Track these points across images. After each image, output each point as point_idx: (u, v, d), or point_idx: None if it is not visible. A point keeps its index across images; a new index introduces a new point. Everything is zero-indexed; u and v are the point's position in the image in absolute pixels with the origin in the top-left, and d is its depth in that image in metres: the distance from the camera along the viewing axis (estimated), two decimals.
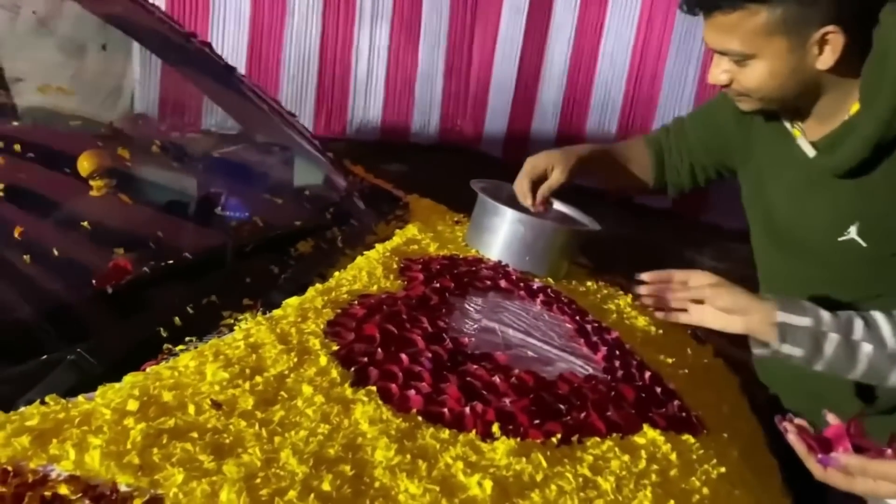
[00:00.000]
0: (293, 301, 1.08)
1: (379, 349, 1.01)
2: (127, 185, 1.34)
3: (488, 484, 0.81)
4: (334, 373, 0.93)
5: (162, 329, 0.99)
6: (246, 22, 4.41)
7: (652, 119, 4.24)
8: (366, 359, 0.98)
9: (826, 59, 1.06)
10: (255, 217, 1.47)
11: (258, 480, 0.73)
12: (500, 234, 1.51)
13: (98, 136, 1.47)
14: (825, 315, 1.04)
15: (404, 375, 0.97)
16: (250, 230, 1.33)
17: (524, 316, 1.30)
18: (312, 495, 0.73)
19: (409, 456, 0.82)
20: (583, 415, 1.02)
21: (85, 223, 1.17)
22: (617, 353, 1.23)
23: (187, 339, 0.98)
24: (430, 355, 1.04)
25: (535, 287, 1.43)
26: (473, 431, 0.91)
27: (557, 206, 1.59)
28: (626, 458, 0.96)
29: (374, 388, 0.93)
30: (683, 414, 1.13)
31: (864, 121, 1.06)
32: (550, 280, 1.53)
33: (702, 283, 1.11)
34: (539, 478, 0.86)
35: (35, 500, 0.65)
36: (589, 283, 1.60)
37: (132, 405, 0.79)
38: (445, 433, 0.89)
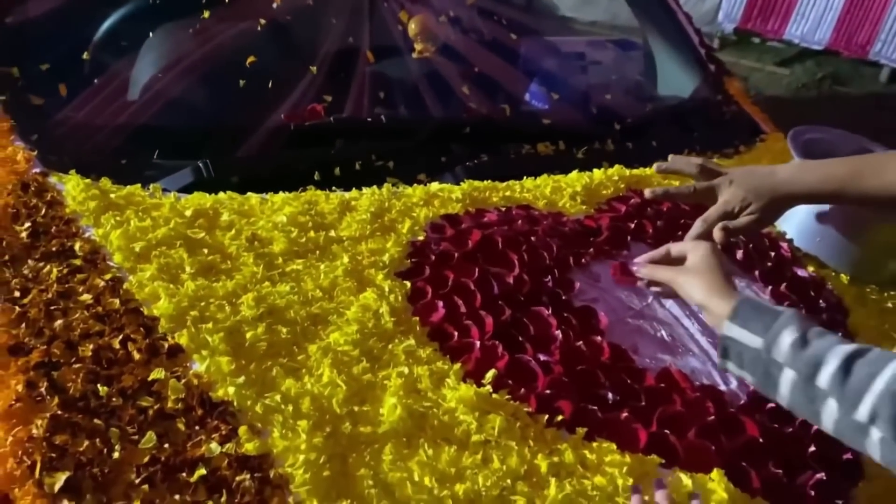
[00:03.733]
0: (434, 186, 1.09)
1: (458, 255, 0.97)
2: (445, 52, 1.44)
3: (399, 410, 0.76)
4: (387, 257, 0.94)
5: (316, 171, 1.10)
6: None
7: None
8: (434, 257, 0.96)
9: None
10: (551, 109, 1.44)
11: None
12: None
13: None
14: (785, 341, 0.69)
15: (454, 287, 0.92)
16: (505, 116, 1.31)
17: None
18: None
19: (357, 351, 0.81)
20: (625, 415, 0.82)
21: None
22: None
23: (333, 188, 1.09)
24: (510, 282, 0.95)
25: (792, 274, 1.11)
26: (459, 366, 0.83)
27: None
28: (622, 480, 0.76)
29: (408, 284, 0.91)
30: (818, 496, 0.81)
31: None
32: (845, 278, 1.16)
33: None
34: (475, 439, 0.76)
35: None
36: None
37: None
38: (427, 353, 0.83)
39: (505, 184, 1.13)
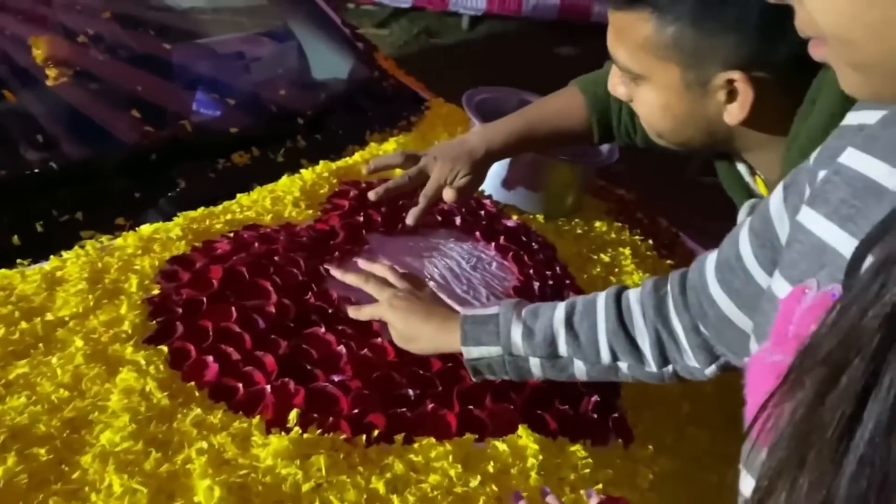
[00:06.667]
0: (146, 229, 0.97)
1: (206, 299, 0.88)
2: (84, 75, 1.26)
3: (217, 491, 0.68)
4: (127, 324, 0.82)
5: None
6: None
7: None
8: (181, 309, 0.86)
9: (735, 113, 0.77)
10: (224, 116, 1.36)
11: None
12: None
13: None
14: (516, 338, 0.82)
15: (217, 335, 0.84)
16: (187, 133, 1.20)
17: (462, 264, 1.10)
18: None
19: (140, 443, 0.70)
20: (430, 406, 0.84)
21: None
22: None
23: (19, 261, 0.90)
24: (273, 311, 0.89)
25: (503, 227, 1.21)
26: (258, 418, 0.76)
27: None
28: (453, 470, 0.77)
29: (165, 349, 0.81)
30: (598, 415, 0.91)
31: None
32: (540, 218, 1.30)
33: (373, 291, 0.92)
34: (306, 488, 0.71)
35: None
36: (598, 224, 1.35)
37: None
38: (219, 417, 0.75)
39: (221, 206, 1.04)
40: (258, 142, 1.23)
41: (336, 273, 0.96)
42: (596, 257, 1.24)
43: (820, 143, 0.72)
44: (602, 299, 0.83)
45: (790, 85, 0.76)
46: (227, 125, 1.23)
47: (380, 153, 1.31)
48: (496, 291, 1.06)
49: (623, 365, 0.82)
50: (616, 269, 1.23)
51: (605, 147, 1.35)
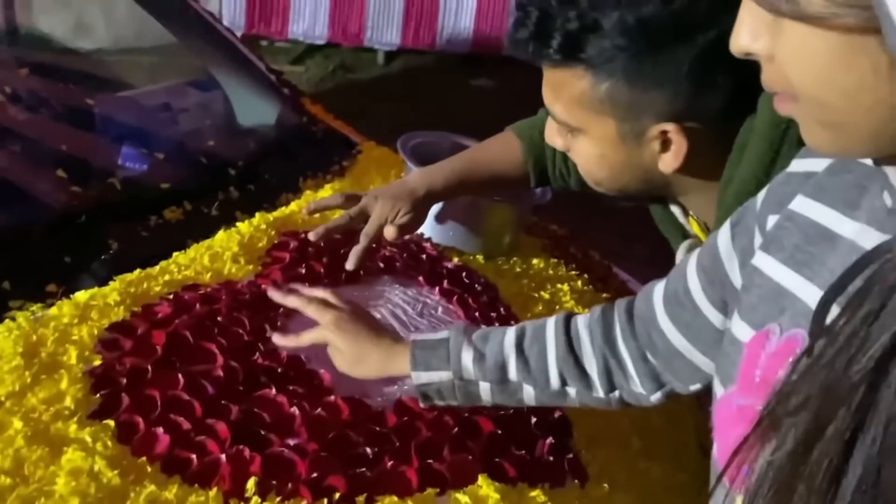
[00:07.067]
0: (81, 296, 0.93)
1: (151, 367, 0.85)
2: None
3: None
4: (69, 400, 0.78)
5: None
6: None
7: None
8: (125, 380, 0.83)
9: (669, 162, 0.81)
10: (153, 171, 1.32)
11: None
12: None
13: None
14: (467, 362, 0.82)
15: (165, 405, 0.81)
16: (116, 191, 1.17)
17: (408, 310, 1.10)
18: None
19: None
20: (390, 463, 0.83)
21: None
22: None
23: None
24: (221, 375, 0.87)
25: (445, 270, 1.22)
26: (215, 489, 0.74)
27: None
28: None
29: (112, 423, 0.77)
30: (554, 457, 0.92)
31: None
32: (480, 258, 1.32)
33: (314, 314, 0.90)
34: None
35: None
36: (535, 261, 1.37)
37: None
38: (174, 492, 0.73)
39: (158, 267, 1.01)
40: (190, 196, 1.20)
41: (275, 296, 0.93)
42: (537, 295, 1.26)
43: (751, 188, 0.76)
44: (552, 325, 0.84)
45: (720, 133, 0.80)
46: (157, 180, 1.20)
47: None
48: None
49: (571, 390, 0.83)
50: (556, 307, 1.25)
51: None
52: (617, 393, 0.82)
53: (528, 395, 0.84)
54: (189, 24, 1.52)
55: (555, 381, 0.82)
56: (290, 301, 0.92)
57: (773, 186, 0.61)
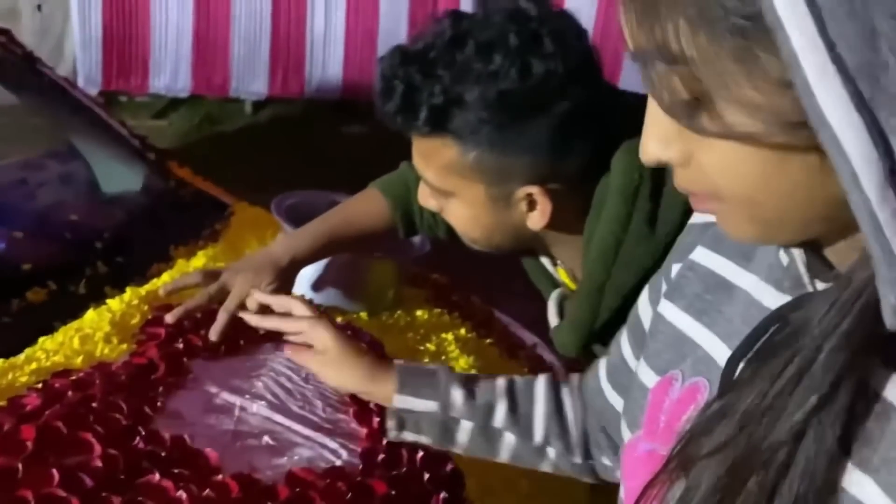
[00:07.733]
0: None
1: (21, 465, 0.80)
2: None
3: None
4: None
5: None
6: None
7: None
8: None
9: (536, 220, 0.88)
10: (12, 250, 1.25)
11: None
12: None
13: None
14: (457, 397, 0.84)
15: None
16: None
17: (293, 377, 1.09)
18: None
19: None
20: None
21: None
22: None
23: None
24: (100, 465, 0.83)
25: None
26: None
27: None
28: None
29: None
30: None
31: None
32: (364, 315, 1.33)
33: (301, 328, 0.94)
34: None
35: None
36: (419, 313, 1.40)
37: None
38: None
39: (23, 355, 0.96)
40: (55, 274, 1.15)
41: (251, 319, 0.99)
42: (422, 347, 1.28)
43: (611, 244, 0.82)
44: (542, 382, 0.86)
45: (581, 191, 0.86)
46: (18, 261, 1.14)
47: (190, 269, 1.27)
48: (331, 402, 1.06)
49: (552, 451, 0.84)
50: (443, 357, 1.28)
51: (416, 238, 1.41)
52: (591, 462, 0.84)
53: (508, 445, 0.84)
54: (43, 93, 1.46)
55: (539, 436, 0.83)
56: (268, 323, 0.97)
57: (680, 237, 0.65)
